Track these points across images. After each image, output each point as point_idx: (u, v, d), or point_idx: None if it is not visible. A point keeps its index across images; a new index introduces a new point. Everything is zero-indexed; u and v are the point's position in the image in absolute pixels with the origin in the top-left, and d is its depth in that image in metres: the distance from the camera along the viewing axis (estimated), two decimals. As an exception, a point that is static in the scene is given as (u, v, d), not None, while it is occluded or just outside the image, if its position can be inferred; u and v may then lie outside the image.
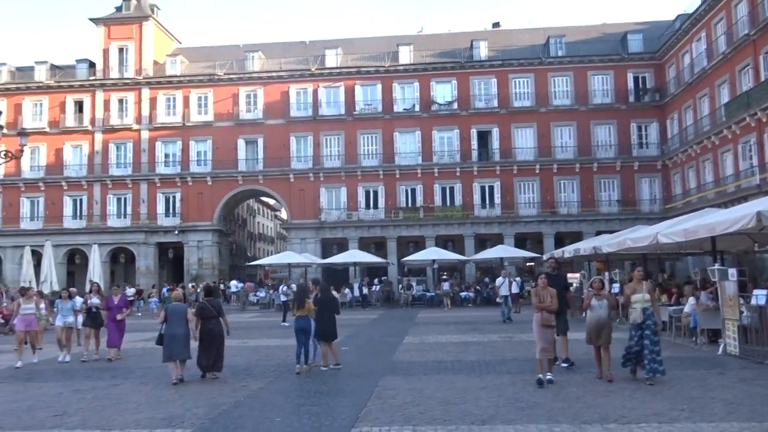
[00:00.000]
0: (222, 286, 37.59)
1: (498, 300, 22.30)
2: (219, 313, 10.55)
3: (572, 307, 11.12)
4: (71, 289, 16.93)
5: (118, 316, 13.41)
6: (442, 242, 39.26)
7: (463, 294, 32.12)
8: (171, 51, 45.37)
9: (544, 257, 27.99)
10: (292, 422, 7.06)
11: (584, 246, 22.94)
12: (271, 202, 64.45)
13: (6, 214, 41.08)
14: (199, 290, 30.06)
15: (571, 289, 16.24)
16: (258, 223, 69.26)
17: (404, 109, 41.07)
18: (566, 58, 40.47)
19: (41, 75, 43.18)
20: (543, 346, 9.00)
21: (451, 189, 40.25)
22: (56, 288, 31.41)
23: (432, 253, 33.89)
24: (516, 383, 9.09)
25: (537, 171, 39.75)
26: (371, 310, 29.82)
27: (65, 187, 42.02)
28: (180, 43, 47.76)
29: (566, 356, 10.55)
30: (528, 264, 36.04)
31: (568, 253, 23.32)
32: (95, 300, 13.74)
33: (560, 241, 37.48)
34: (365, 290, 32.66)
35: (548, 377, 8.95)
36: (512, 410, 7.35)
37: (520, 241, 38.77)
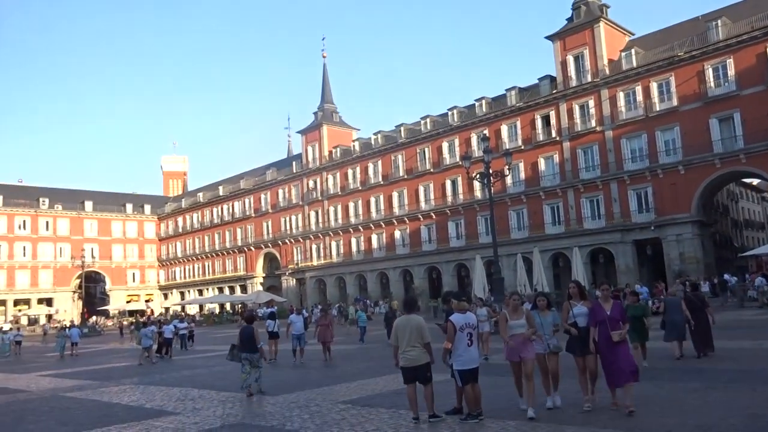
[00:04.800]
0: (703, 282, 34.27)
1: None
2: (703, 305, 13.23)
3: None
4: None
5: (615, 337, 7.93)
6: None
7: None
8: (624, 45, 44.58)
9: None
10: None
11: None
12: (756, 182, 56.24)
13: (498, 227, 46.93)
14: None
15: None
16: (742, 208, 61.37)
17: None
18: None
19: (512, 100, 48.25)
20: None
21: None
22: (547, 289, 34.18)
23: None
24: None
25: None
26: None
27: (543, 197, 45.56)
28: (633, 34, 46.50)
29: None
30: None
31: None
32: (582, 308, 8.48)
33: None
34: None
35: None
36: None
37: None
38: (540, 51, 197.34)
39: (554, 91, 45.38)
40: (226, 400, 11.49)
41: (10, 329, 40.44)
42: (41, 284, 75.72)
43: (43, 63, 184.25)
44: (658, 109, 40.08)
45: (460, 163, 46.36)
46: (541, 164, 45.93)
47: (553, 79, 46.31)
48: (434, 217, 52.77)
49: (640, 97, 41.00)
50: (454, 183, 51.55)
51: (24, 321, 67.76)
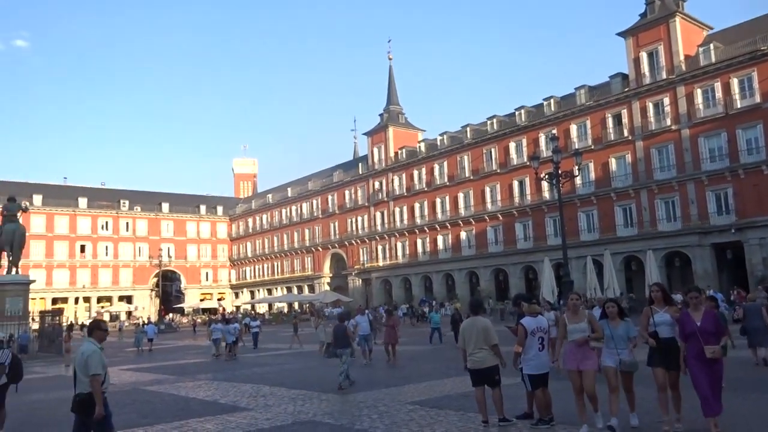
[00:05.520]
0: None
1: None
2: None
3: None
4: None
5: (707, 352, 6.66)
6: None
7: None
8: (702, 40, 42.69)
9: None
10: None
11: None
12: None
13: (567, 228, 45.81)
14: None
15: None
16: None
17: None
18: None
19: (581, 99, 47.04)
20: None
21: None
22: (619, 293, 33.08)
23: None
24: None
25: None
26: None
27: (614, 198, 44.17)
28: (711, 29, 44.43)
29: None
30: None
31: None
32: (665, 316, 7.28)
33: None
34: None
35: None
36: None
37: None
38: (611, 48, 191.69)
39: (626, 89, 43.92)
40: (297, 398, 11.77)
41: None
42: (122, 282, 79.66)
43: (122, 73, 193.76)
44: (739, 106, 38.13)
45: (528, 163, 45.75)
46: (613, 164, 44.55)
47: (625, 76, 44.83)
48: (501, 218, 52.12)
49: (719, 94, 39.12)
50: (521, 183, 50.76)
51: (106, 317, 71.41)
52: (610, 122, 44.73)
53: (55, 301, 71.05)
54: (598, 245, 41.91)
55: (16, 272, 31.49)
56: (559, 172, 23.66)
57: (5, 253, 31.30)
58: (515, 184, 51.17)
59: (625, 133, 43.56)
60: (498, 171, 52.34)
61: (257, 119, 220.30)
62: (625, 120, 43.79)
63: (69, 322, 51.75)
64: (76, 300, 76.12)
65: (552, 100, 49.86)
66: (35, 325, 33.21)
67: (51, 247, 74.76)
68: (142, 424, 9.84)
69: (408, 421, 8.76)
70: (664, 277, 38.34)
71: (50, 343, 29.69)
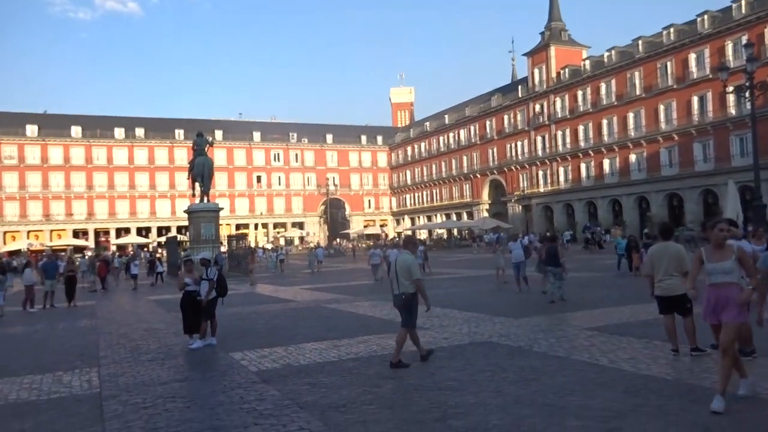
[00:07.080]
0: None
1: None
2: None
3: None
4: None
5: None
6: None
7: None
8: None
9: None
10: None
11: None
12: None
13: (760, 147, 40.81)
14: None
15: None
16: None
17: None
18: None
19: (782, -4, 40.72)
20: None
21: None
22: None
23: None
24: None
25: None
26: None
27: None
28: None
29: None
30: None
31: None
32: None
33: None
34: None
35: None
36: None
37: None
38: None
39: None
40: (470, 320, 12.07)
41: (273, 248, 46.81)
42: (294, 210, 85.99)
43: (285, 11, 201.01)
44: None
45: (711, 76, 41.20)
46: (820, 71, 38.48)
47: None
48: (676, 138, 47.81)
49: None
50: (702, 99, 45.86)
51: (282, 242, 77.80)
52: (818, 22, 38.40)
53: (238, 227, 78.50)
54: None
55: (207, 201, 35.06)
56: (754, 83, 20.96)
57: (197, 183, 34.85)
58: (694, 100, 46.36)
59: (838, 34, 37.23)
60: (674, 86, 47.67)
61: (412, 47, 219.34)
62: (838, 17, 37.32)
63: (250, 246, 57.37)
64: (256, 226, 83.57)
65: (743, 1, 43.68)
66: (223, 248, 37.05)
67: (232, 177, 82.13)
68: (330, 338, 10.72)
69: (588, 347, 8.64)
70: None
71: (237, 264, 33.05)
